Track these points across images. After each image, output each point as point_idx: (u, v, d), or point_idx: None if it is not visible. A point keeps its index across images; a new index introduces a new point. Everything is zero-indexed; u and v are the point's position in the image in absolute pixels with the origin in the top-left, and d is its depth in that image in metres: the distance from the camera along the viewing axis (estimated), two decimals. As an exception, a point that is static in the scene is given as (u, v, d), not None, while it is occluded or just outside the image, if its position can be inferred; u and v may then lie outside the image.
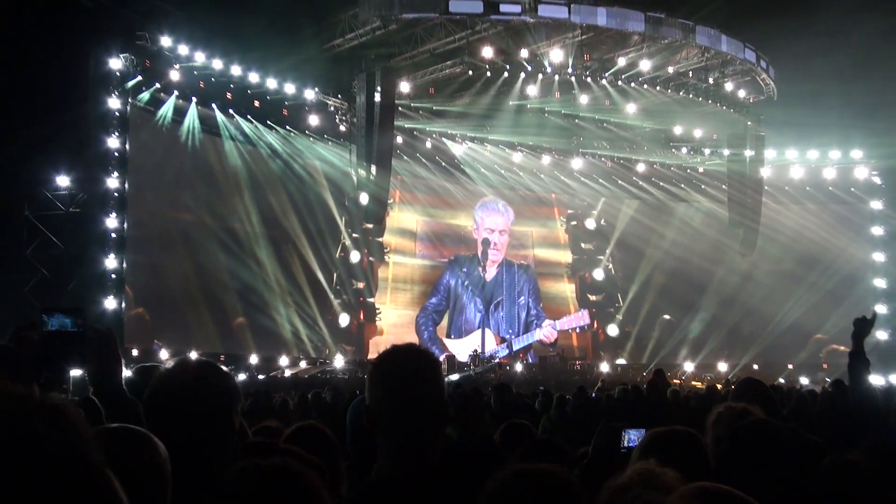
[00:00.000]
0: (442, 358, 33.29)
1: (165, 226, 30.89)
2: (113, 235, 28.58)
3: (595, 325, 39.52)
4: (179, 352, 28.29)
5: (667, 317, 39.95)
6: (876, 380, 29.62)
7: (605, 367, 33.69)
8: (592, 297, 40.87)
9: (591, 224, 42.19)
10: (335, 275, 35.11)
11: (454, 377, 27.66)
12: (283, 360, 31.75)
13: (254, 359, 31.00)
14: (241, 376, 27.64)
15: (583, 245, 41.97)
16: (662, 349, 38.83)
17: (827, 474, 3.57)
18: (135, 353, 27.14)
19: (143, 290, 30.11)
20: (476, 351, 33.03)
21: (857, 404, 7.28)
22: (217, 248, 31.55)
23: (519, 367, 32.98)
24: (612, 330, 40.44)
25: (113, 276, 28.30)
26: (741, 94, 36.83)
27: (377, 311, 36.38)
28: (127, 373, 4.23)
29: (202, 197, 31.96)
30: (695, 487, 2.18)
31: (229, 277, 31.68)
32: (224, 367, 3.12)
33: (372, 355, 32.86)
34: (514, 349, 35.18)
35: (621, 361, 38.08)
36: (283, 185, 34.35)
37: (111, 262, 28.33)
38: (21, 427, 1.06)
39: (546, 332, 36.43)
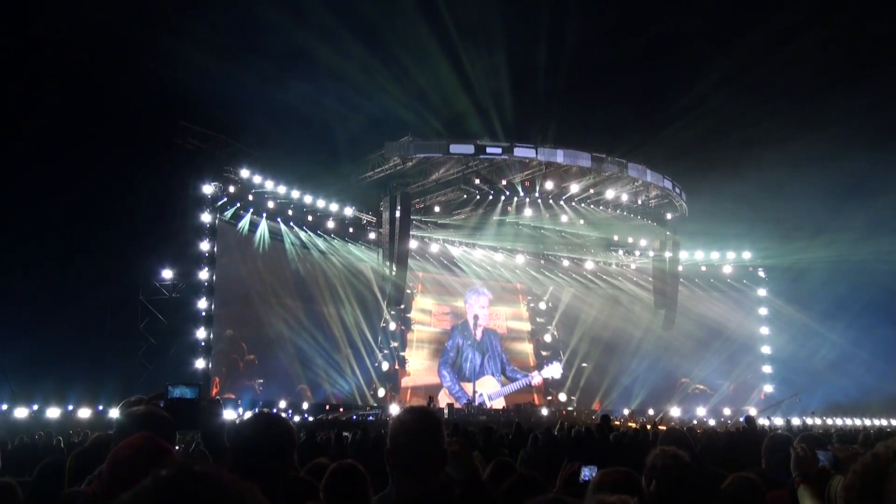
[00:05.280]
0: (465, 401, 35.16)
1: (244, 306, 30.92)
2: (203, 314, 28.53)
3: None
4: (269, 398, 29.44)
5: (584, 364, 40.81)
6: (764, 422, 29.44)
7: (549, 409, 34.23)
8: (544, 353, 41.66)
9: (542, 305, 42.77)
10: (379, 337, 36.30)
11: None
12: (327, 406, 31.58)
13: (305, 405, 30.86)
14: (296, 418, 27.44)
15: (537, 319, 42.49)
16: (593, 390, 40.39)
17: (731, 486, 3.59)
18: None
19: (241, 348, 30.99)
20: (470, 399, 34.34)
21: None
22: (283, 322, 31.62)
23: (501, 411, 33.49)
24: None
25: (202, 343, 28.17)
26: (661, 212, 36.92)
27: (406, 361, 37.46)
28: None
29: (269, 285, 32.02)
30: None
31: (305, 339, 32.07)
32: (284, 417, 3.16)
33: (403, 387, 36.45)
34: (511, 391, 38.73)
35: (563, 398, 39.66)
36: (342, 278, 34.92)
37: (201, 333, 28.24)
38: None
39: (536, 380, 39.46)
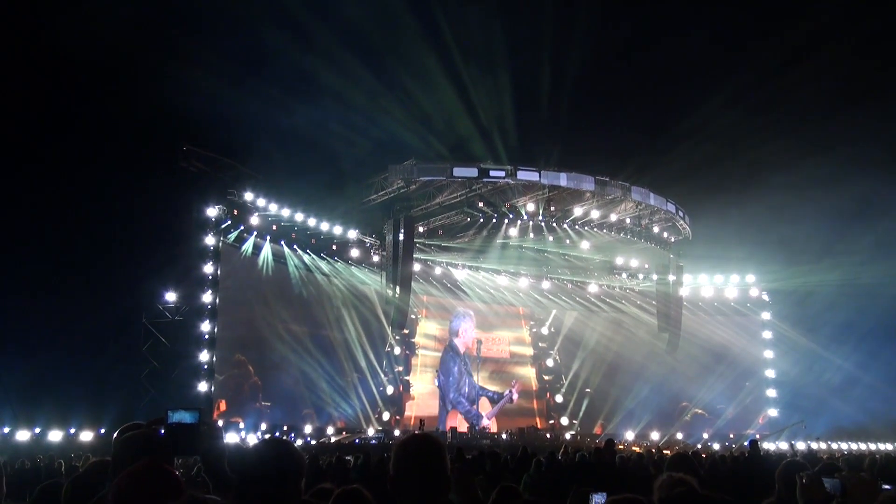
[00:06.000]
0: (473, 416, 36.10)
1: (248, 329, 30.85)
2: (206, 337, 28.44)
3: (548, 395, 41.31)
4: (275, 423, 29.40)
5: (588, 389, 40.75)
6: (769, 446, 29.26)
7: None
8: (546, 377, 41.88)
9: (545, 330, 42.83)
10: (384, 361, 36.48)
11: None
12: (330, 430, 31.43)
13: (308, 428, 30.71)
14: (299, 441, 27.29)
15: (539, 343, 42.59)
16: (595, 413, 40.47)
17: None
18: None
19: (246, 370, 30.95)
20: (471, 425, 34.21)
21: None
22: (287, 346, 31.49)
23: (504, 435, 33.24)
24: (559, 398, 41.09)
25: (205, 367, 28.05)
26: (665, 235, 36.89)
27: (410, 385, 37.60)
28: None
29: (273, 308, 31.92)
30: None
31: (309, 363, 32.03)
32: (292, 443, 3.12)
33: (408, 412, 36.38)
34: (498, 409, 38.84)
35: (565, 422, 39.66)
36: (346, 301, 34.94)
37: (204, 356, 28.14)
38: None
39: (514, 396, 39.52)
